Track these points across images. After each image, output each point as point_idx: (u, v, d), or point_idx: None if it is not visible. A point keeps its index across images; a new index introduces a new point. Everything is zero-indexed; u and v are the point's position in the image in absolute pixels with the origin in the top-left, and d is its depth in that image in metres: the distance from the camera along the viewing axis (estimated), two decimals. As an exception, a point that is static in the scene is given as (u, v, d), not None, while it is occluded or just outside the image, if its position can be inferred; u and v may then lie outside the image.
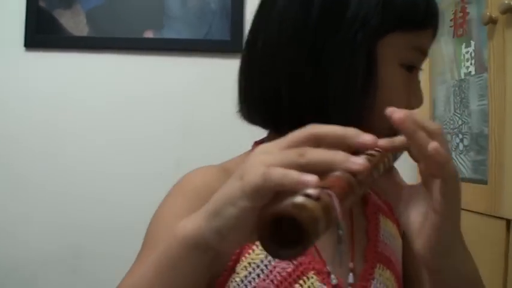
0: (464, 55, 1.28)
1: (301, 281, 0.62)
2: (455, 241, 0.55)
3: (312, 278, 0.62)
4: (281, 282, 0.61)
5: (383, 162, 0.50)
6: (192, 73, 1.67)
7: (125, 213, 1.61)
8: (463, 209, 1.31)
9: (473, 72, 1.23)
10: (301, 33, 0.62)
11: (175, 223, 0.49)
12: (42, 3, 1.66)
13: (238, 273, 0.62)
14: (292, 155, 0.44)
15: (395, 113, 0.48)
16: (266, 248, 0.37)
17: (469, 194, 1.21)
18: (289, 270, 0.62)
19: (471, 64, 1.24)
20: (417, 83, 0.67)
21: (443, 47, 1.42)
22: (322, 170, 0.43)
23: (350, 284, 0.65)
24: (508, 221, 1.04)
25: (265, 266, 0.62)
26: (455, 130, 1.33)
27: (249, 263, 0.62)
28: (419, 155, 0.50)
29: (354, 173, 0.43)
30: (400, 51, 0.63)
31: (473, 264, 0.59)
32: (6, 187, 1.65)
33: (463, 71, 1.28)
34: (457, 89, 1.32)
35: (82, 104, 1.67)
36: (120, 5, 1.68)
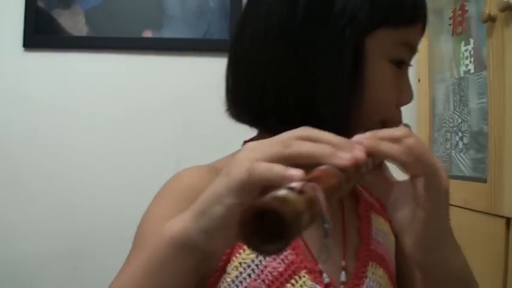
0: (463, 53, 1.28)
1: (292, 280, 0.61)
2: (444, 236, 0.55)
3: (304, 277, 0.61)
4: (272, 282, 0.60)
5: (372, 158, 0.50)
6: (191, 72, 1.66)
7: (125, 213, 1.60)
8: (462, 208, 1.31)
9: (472, 70, 1.23)
10: (287, 31, 0.61)
11: (163, 224, 0.49)
12: (40, 3, 1.66)
13: (229, 274, 0.61)
14: (278, 147, 0.44)
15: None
16: (248, 243, 0.36)
17: (468, 192, 1.21)
18: (280, 269, 0.61)
19: (470, 62, 1.24)
20: (407, 79, 0.66)
21: (442, 45, 1.41)
22: (308, 164, 0.43)
23: (342, 283, 0.64)
24: (507, 219, 1.04)
25: (256, 265, 0.61)
26: (455, 128, 1.32)
27: (240, 263, 0.61)
28: (393, 162, 0.51)
29: (341, 168, 0.42)
30: (388, 47, 0.62)
31: (463, 259, 0.59)
32: (6, 187, 1.65)
33: (463, 69, 1.28)
34: (456, 87, 1.32)
35: (81, 104, 1.67)
36: (118, 4, 1.68)
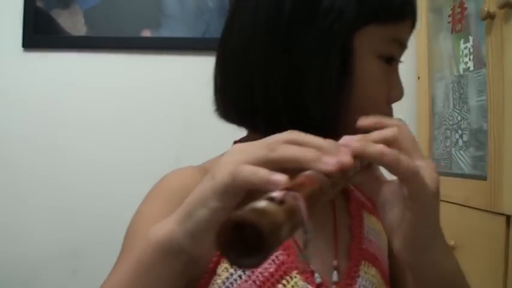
0: (462, 51, 1.27)
1: (284, 281, 0.60)
2: (433, 237, 0.54)
3: (296, 277, 0.60)
4: (264, 283, 0.59)
5: (360, 160, 0.49)
6: (190, 72, 1.66)
7: (124, 213, 1.60)
8: (462, 205, 1.31)
9: (471, 68, 1.23)
10: (274, 27, 0.61)
11: (151, 226, 0.49)
12: (39, 4, 1.65)
13: (219, 275, 0.60)
14: (264, 150, 0.43)
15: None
16: (226, 256, 0.35)
17: (468, 190, 1.21)
18: (271, 270, 0.60)
19: (470, 60, 1.24)
20: (397, 75, 0.65)
21: (441, 42, 1.41)
22: (293, 168, 0.42)
23: (335, 283, 0.63)
24: (507, 216, 1.03)
25: None
26: (455, 126, 1.32)
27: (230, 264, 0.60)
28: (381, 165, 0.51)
29: (327, 173, 0.42)
30: (377, 44, 0.61)
31: (455, 263, 0.58)
32: (5, 187, 1.65)
33: (462, 66, 1.28)
34: (455, 84, 1.32)
35: (81, 103, 1.67)
36: (117, 4, 1.67)
